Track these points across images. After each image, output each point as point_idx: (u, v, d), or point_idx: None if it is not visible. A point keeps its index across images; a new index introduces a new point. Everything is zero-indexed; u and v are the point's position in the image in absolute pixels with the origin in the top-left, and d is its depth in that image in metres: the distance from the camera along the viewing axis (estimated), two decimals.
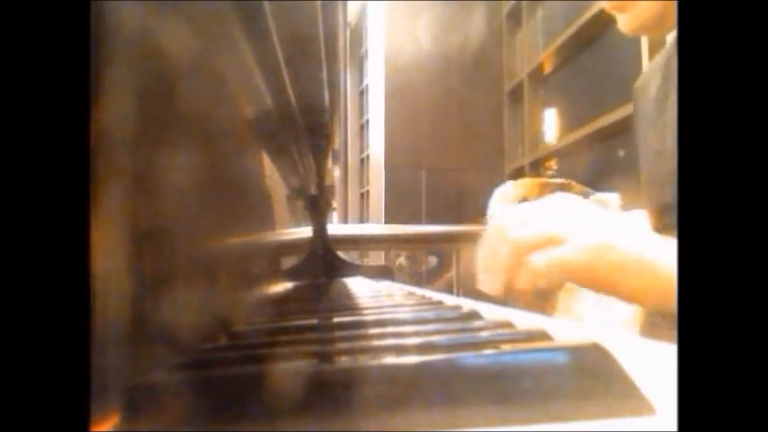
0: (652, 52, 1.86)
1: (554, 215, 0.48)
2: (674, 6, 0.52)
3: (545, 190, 1.40)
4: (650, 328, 0.79)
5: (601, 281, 0.46)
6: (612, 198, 1.30)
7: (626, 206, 1.22)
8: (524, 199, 1.38)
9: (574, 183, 1.44)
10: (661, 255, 0.44)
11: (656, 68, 0.83)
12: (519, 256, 0.47)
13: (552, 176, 2.48)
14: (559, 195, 0.50)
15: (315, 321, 0.46)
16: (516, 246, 0.48)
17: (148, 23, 0.29)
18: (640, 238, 0.46)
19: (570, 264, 0.45)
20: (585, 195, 1.28)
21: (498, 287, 0.50)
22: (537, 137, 2.97)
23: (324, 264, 1.06)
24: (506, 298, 0.49)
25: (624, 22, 0.66)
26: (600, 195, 1.32)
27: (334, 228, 1.39)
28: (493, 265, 0.50)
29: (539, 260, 0.46)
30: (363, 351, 0.27)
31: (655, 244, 0.45)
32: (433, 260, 2.57)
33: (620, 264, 0.44)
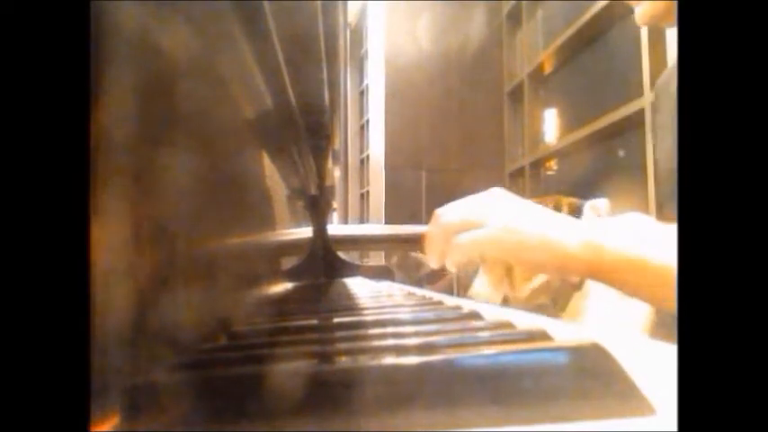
0: (652, 52, 1.86)
1: (478, 206, 0.61)
2: None
3: None
4: (660, 328, 0.80)
5: (509, 255, 0.59)
6: (602, 203, 1.31)
7: (616, 210, 1.23)
8: None
9: (561, 197, 1.45)
10: (563, 234, 0.56)
11: None
12: (447, 235, 0.60)
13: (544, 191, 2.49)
14: (492, 191, 0.62)
15: (315, 322, 0.46)
16: (445, 228, 0.61)
17: (148, 23, 0.29)
18: (543, 223, 0.58)
19: (484, 242, 0.58)
20: (575, 205, 1.29)
21: (437, 261, 0.63)
22: (537, 137, 2.97)
23: (324, 264, 1.06)
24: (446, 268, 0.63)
25: (639, 14, 0.76)
26: (592, 202, 1.33)
27: (335, 228, 1.39)
28: (431, 244, 0.64)
29: (461, 238, 0.59)
30: (363, 351, 0.27)
31: (557, 226, 0.57)
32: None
33: (523, 242, 0.56)
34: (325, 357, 0.27)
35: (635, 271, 0.52)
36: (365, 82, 3.75)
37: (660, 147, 0.88)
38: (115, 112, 0.24)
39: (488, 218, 0.58)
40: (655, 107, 0.94)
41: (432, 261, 0.65)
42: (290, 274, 0.95)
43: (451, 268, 0.62)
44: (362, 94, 3.85)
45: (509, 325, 0.32)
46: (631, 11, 0.77)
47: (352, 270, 1.11)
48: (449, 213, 0.63)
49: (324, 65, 0.66)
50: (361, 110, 3.89)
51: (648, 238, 0.53)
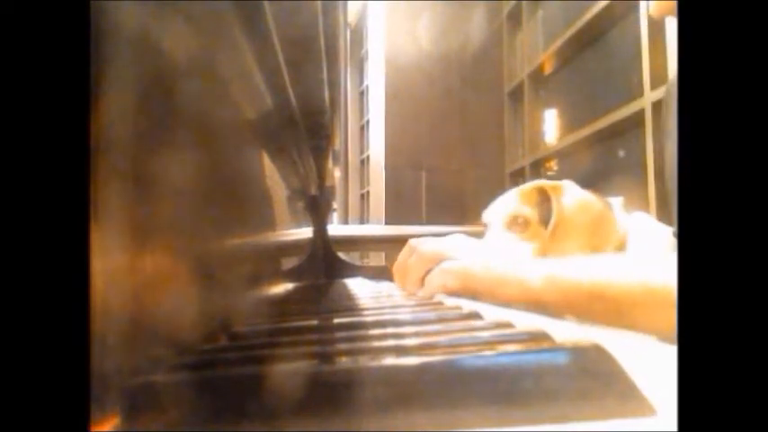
0: (652, 53, 1.86)
1: (451, 242, 0.70)
2: None
3: (537, 195, 1.40)
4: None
5: (482, 288, 0.63)
6: (616, 202, 1.31)
7: (629, 209, 1.24)
8: (522, 209, 1.38)
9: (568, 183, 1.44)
10: (527, 271, 0.59)
11: None
12: (424, 264, 0.68)
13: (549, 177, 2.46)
14: (457, 235, 0.71)
15: (315, 322, 0.46)
16: (422, 257, 0.69)
17: (148, 24, 0.29)
18: (510, 261, 0.64)
19: (461, 273, 0.63)
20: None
21: (411, 287, 0.70)
22: (537, 138, 2.97)
23: (324, 264, 1.05)
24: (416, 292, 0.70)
25: (653, 7, 0.79)
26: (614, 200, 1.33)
27: (335, 228, 1.38)
28: (404, 271, 0.72)
29: (444, 267, 0.64)
30: (364, 352, 0.27)
31: (523, 264, 0.61)
32: None
33: (494, 278, 0.61)
34: (326, 358, 0.27)
35: (595, 302, 0.55)
36: (365, 82, 3.75)
37: (670, 146, 0.88)
38: (115, 112, 0.24)
39: (462, 253, 0.65)
40: (667, 104, 0.94)
41: (406, 287, 0.72)
42: (290, 275, 0.95)
43: (424, 294, 0.66)
44: (363, 94, 3.85)
45: (509, 325, 0.32)
46: (616, 21, 0.81)
47: (353, 270, 1.11)
48: (425, 244, 0.70)
49: (324, 65, 0.66)
50: (362, 110, 3.89)
51: (615, 267, 0.56)
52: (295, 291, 0.89)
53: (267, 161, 0.74)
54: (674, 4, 0.74)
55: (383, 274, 1.13)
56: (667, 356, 0.22)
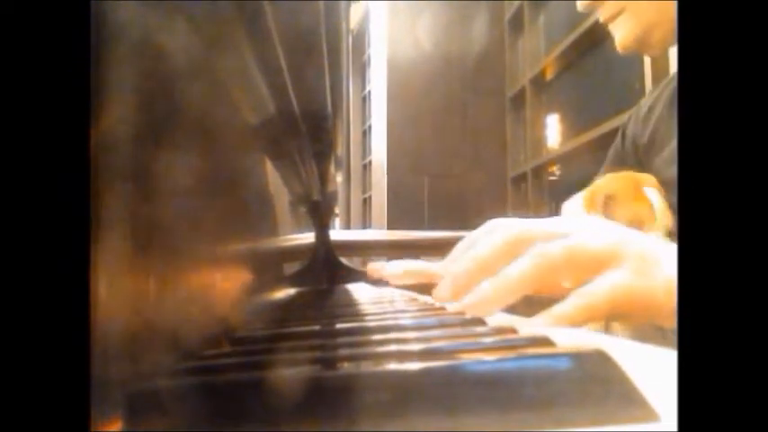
0: (654, 58, 1.86)
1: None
2: (659, 25, 0.72)
3: (633, 185, 1.38)
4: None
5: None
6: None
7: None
8: (612, 197, 1.35)
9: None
10: None
11: None
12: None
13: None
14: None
15: (317, 327, 0.46)
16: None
17: (149, 27, 0.29)
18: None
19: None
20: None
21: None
22: (539, 142, 2.97)
23: (326, 270, 1.05)
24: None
25: (617, 41, 0.79)
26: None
27: (337, 234, 1.38)
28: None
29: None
30: (366, 357, 0.27)
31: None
32: None
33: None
34: (328, 363, 0.27)
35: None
36: (367, 87, 3.76)
37: None
38: (116, 116, 0.24)
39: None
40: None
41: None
42: (292, 280, 0.95)
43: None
44: (365, 99, 3.86)
45: (512, 331, 0.32)
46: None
47: (355, 276, 1.11)
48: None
49: (326, 70, 0.66)
50: (364, 115, 3.90)
51: None
52: (297, 296, 0.89)
53: (269, 166, 0.74)
54: (641, 39, 0.75)
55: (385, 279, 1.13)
56: (671, 361, 0.22)
